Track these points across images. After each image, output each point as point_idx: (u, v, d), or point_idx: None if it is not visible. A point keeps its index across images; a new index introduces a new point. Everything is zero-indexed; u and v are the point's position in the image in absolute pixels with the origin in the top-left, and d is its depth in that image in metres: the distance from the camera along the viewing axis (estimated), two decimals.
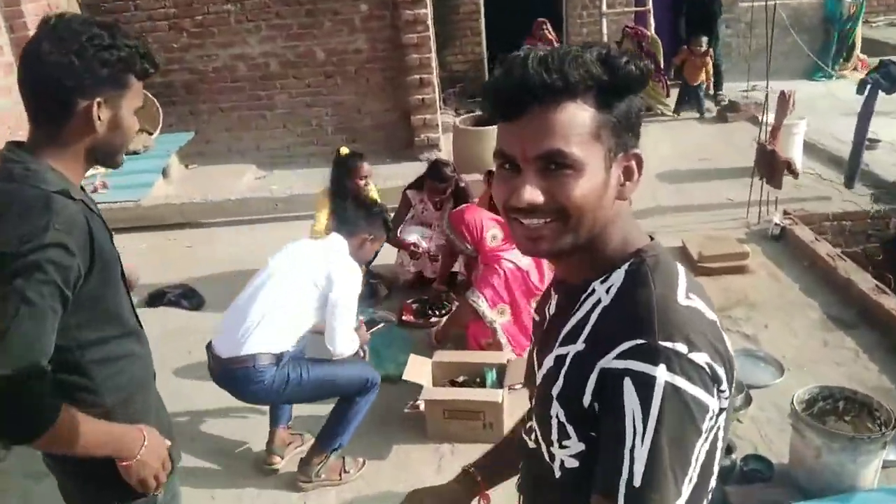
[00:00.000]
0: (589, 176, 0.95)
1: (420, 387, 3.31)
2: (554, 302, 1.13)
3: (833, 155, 6.41)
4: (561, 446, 1.02)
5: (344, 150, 4.58)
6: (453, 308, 4.22)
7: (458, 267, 4.56)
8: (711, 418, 0.93)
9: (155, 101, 7.18)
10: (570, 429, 1.00)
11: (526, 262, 3.66)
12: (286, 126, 7.62)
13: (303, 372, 2.77)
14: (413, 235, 4.59)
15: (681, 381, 0.89)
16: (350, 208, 3.16)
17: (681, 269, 1.04)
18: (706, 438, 0.93)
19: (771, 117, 5.15)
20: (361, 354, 3.29)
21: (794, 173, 4.85)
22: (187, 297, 4.69)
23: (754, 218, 5.28)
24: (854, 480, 2.74)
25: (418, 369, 3.38)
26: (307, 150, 7.67)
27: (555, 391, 1.01)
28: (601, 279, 1.02)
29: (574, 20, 10.05)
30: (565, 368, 1.00)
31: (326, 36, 7.27)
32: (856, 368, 3.63)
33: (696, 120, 8.11)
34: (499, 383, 3.36)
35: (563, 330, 1.04)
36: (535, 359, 1.15)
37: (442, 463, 3.16)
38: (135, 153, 6.77)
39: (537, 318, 1.22)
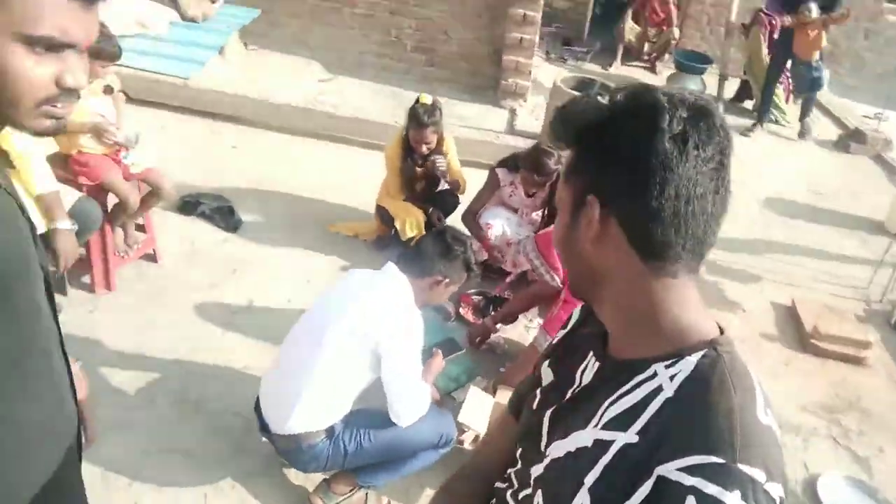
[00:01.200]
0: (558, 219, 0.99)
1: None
2: (592, 369, 1.02)
3: None
4: None
5: (424, 99, 3.80)
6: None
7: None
8: None
9: None
10: None
11: None
12: (362, 29, 6.76)
13: (362, 441, 2.34)
14: (497, 221, 3.87)
15: None
16: (425, 243, 2.45)
17: (754, 374, 0.92)
18: None
19: None
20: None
21: None
22: (223, 214, 4.02)
23: (876, 293, 4.55)
24: None
25: (477, 409, 2.76)
26: (380, 62, 6.85)
27: (588, 480, 0.90)
28: (666, 363, 0.90)
29: None
30: (608, 459, 0.89)
31: None
32: None
33: (817, 144, 6.98)
34: None
35: (605, 407, 0.93)
36: (543, 422, 1.06)
37: None
38: (192, 21, 5.97)
39: (550, 377, 1.12)
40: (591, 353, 1.04)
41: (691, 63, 7.65)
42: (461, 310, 3.69)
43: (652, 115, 0.86)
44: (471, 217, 3.93)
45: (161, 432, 2.68)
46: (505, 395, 2.93)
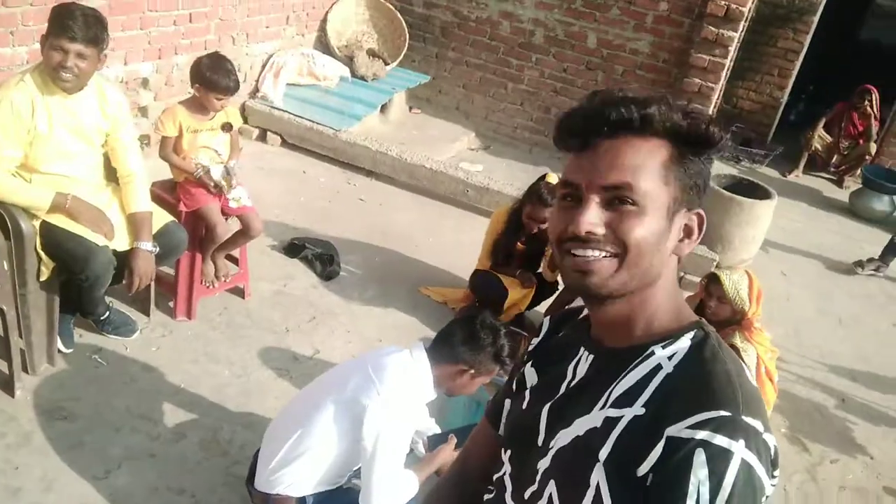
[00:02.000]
0: (651, 218, 0.95)
1: None
2: (586, 361, 1.09)
3: None
4: None
5: (551, 178, 3.70)
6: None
7: None
8: (764, 500, 0.90)
9: (405, 30, 6.68)
10: (606, 497, 0.94)
11: None
12: (523, 105, 6.81)
13: None
14: None
15: (754, 460, 0.87)
16: (453, 328, 2.30)
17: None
18: None
19: None
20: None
21: None
22: (322, 260, 4.13)
23: None
24: None
25: None
26: (534, 139, 6.85)
27: (602, 455, 0.95)
28: (662, 344, 1.00)
29: None
30: (618, 432, 0.95)
31: (608, 24, 6.29)
32: None
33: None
34: None
35: (608, 392, 1.00)
36: (542, 417, 1.10)
37: None
38: (362, 79, 6.34)
39: (535, 377, 1.18)
40: (582, 349, 1.10)
41: (881, 181, 6.88)
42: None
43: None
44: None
45: (178, 470, 2.69)
46: None
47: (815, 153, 7.80)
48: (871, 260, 5.57)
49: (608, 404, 0.99)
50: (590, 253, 0.96)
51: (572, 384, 1.09)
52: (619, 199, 0.95)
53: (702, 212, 1.02)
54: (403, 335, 3.73)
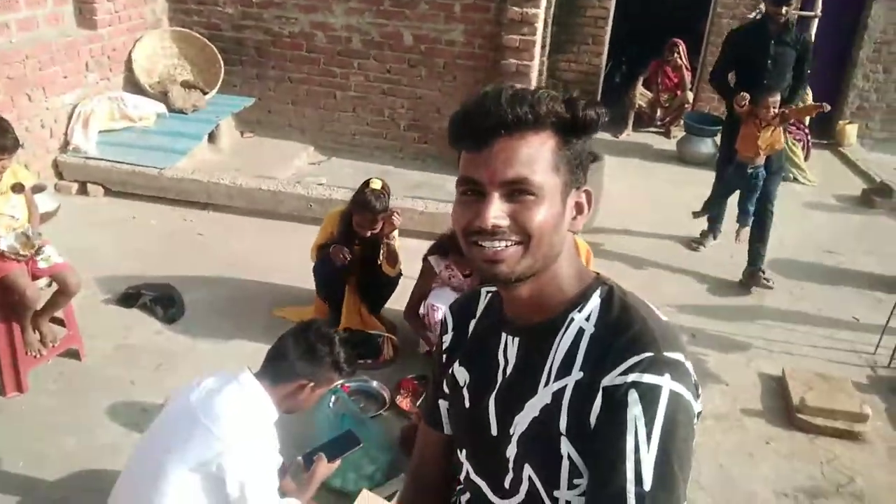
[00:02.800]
0: (548, 204, 1.02)
1: None
2: (513, 345, 1.14)
3: None
4: (571, 486, 1.03)
5: (374, 184, 3.67)
6: None
7: None
8: (696, 423, 1.00)
9: (218, 56, 6.48)
10: (580, 464, 1.01)
11: None
12: (356, 111, 6.77)
13: None
14: (440, 303, 3.63)
15: (680, 388, 0.97)
16: (285, 345, 2.19)
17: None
18: (694, 442, 0.99)
19: None
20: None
21: None
22: (163, 304, 3.93)
23: (884, 358, 4.05)
24: None
25: None
26: (374, 142, 6.82)
27: (562, 426, 1.02)
28: (577, 309, 1.08)
29: (717, 40, 8.71)
30: (567, 401, 1.03)
31: (419, 19, 6.34)
32: None
33: (837, 201, 6.50)
34: None
35: (547, 366, 1.07)
36: (489, 410, 1.14)
37: None
38: (181, 112, 6.10)
39: (465, 375, 1.21)
40: (504, 334, 1.16)
41: (700, 125, 7.36)
42: (398, 398, 3.42)
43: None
44: (412, 314, 3.74)
45: None
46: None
47: (639, 111, 8.24)
48: (703, 234, 5.38)
49: (552, 379, 1.06)
50: (497, 244, 1.02)
51: (508, 370, 1.14)
52: (518, 192, 1.01)
53: (588, 188, 1.10)
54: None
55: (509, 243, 1.02)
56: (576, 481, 1.03)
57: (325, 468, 2.36)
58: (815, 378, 3.72)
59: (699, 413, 1.02)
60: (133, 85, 6.16)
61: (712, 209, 5.27)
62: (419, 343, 3.81)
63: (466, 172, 1.05)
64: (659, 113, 8.30)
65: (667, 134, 8.19)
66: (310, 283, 4.25)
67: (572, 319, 1.08)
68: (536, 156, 1.01)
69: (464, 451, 1.23)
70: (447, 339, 1.29)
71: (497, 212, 1.01)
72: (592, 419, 0.99)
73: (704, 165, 7.00)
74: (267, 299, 4.19)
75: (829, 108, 4.67)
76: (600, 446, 0.98)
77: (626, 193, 6.12)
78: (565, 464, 1.03)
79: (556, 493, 1.05)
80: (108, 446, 2.96)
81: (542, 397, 1.06)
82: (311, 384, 2.16)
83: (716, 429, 3.42)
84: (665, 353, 0.98)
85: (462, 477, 1.24)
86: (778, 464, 3.26)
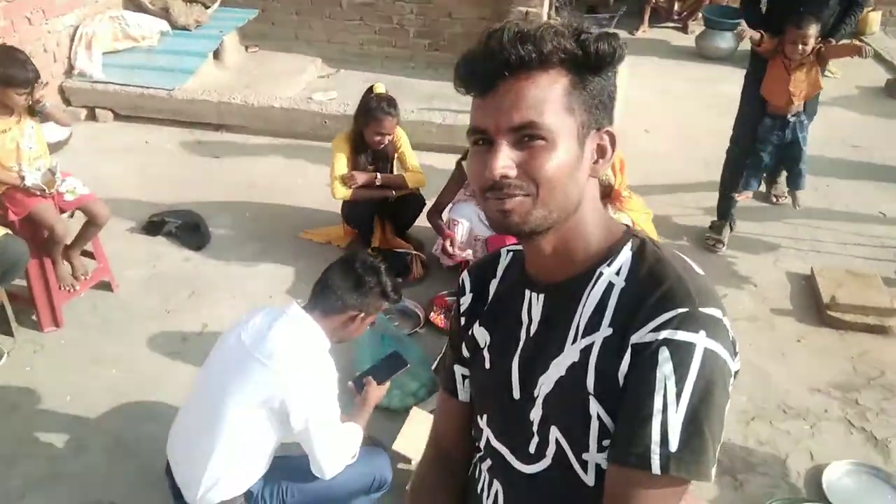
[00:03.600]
0: (562, 148, 0.95)
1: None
2: (538, 302, 1.08)
3: None
4: (601, 448, 0.98)
5: (378, 88, 3.58)
6: None
7: None
8: (732, 383, 0.94)
9: None
10: (610, 425, 0.96)
11: None
12: (363, 20, 6.54)
13: (285, 497, 2.13)
14: (462, 219, 3.60)
15: (716, 346, 0.91)
16: (333, 277, 2.17)
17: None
18: (729, 402, 0.93)
19: None
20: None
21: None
22: (188, 231, 3.92)
23: None
24: None
25: (417, 435, 2.52)
26: (382, 51, 6.63)
27: (590, 385, 0.97)
28: (606, 263, 1.02)
29: None
30: (594, 359, 0.98)
31: None
32: None
33: (861, 92, 6.26)
34: None
35: (574, 323, 1.01)
36: (513, 371, 1.09)
37: None
38: (184, 29, 5.91)
39: (486, 336, 1.15)
40: (528, 291, 1.09)
41: (720, 19, 7.06)
42: (432, 315, 3.45)
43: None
44: (435, 214, 3.69)
45: (88, 484, 2.55)
46: None
47: (656, 5, 7.91)
48: (715, 227, 4.13)
49: (579, 336, 1.00)
50: (506, 196, 0.95)
51: (532, 329, 1.08)
52: (527, 137, 0.94)
53: (611, 129, 1.01)
54: (294, 287, 3.62)
55: (518, 193, 0.95)
56: (605, 443, 0.97)
57: (376, 391, 2.40)
58: (844, 275, 3.72)
59: (736, 371, 0.96)
60: (134, 3, 5.94)
61: (732, 183, 4.00)
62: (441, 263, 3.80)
63: (474, 121, 0.98)
64: (676, 7, 7.97)
65: (684, 29, 7.88)
66: (333, 205, 4.23)
67: (601, 274, 1.01)
68: (546, 97, 0.93)
69: (484, 416, 1.17)
70: (465, 301, 1.22)
71: (505, 161, 0.94)
72: (621, 377, 0.94)
73: (725, 61, 6.78)
74: (291, 221, 4.17)
75: (871, 52, 3.89)
76: (628, 405, 0.93)
77: (646, 96, 5.96)
78: (594, 424, 0.97)
79: (584, 456, 1.00)
80: (151, 377, 3.02)
81: (570, 355, 1.01)
82: (362, 315, 2.17)
83: (748, 329, 3.45)
84: (700, 309, 0.92)
85: (482, 444, 1.18)
86: (810, 361, 3.30)
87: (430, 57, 6.53)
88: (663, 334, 0.91)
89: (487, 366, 1.15)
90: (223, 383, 2.04)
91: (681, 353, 0.90)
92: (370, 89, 3.61)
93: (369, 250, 3.79)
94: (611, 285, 1.00)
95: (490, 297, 1.18)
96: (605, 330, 0.98)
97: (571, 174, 0.96)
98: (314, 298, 2.17)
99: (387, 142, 3.60)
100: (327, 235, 4.02)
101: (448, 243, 3.56)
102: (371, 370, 2.55)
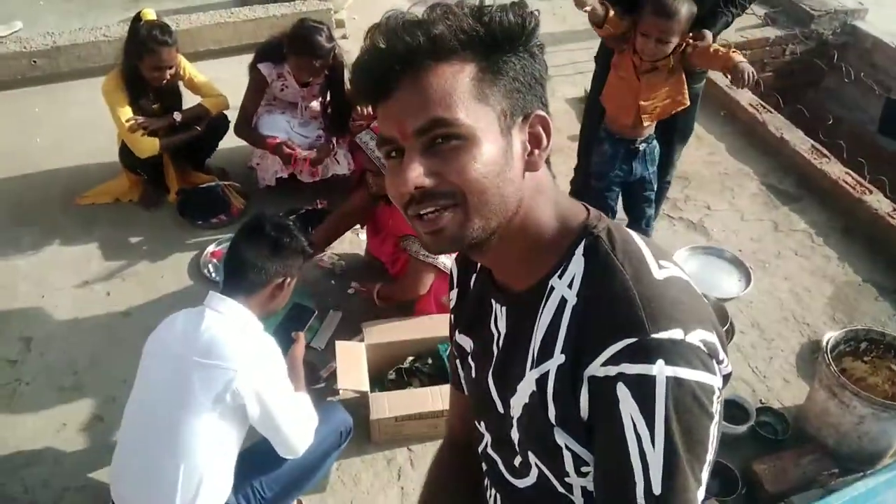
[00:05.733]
0: (481, 146, 0.81)
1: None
2: (502, 315, 0.98)
3: None
4: (579, 473, 0.90)
5: (147, 14, 3.09)
6: None
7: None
8: (718, 397, 0.83)
9: None
10: (582, 453, 0.87)
11: None
12: None
13: (264, 492, 2.01)
14: (278, 133, 3.33)
15: (683, 371, 0.79)
16: (245, 250, 1.93)
17: (634, 233, 0.91)
18: (717, 420, 0.83)
19: None
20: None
21: None
22: None
23: None
24: (892, 443, 2.44)
25: (352, 364, 2.46)
26: None
27: (551, 416, 0.88)
28: (557, 273, 0.89)
29: None
30: (551, 389, 0.87)
31: None
32: (818, 261, 3.28)
33: None
34: None
35: (530, 346, 0.90)
36: (490, 386, 1.01)
37: (403, 477, 2.42)
38: None
39: (469, 343, 1.08)
40: (493, 301, 1.00)
41: None
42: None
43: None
44: (246, 127, 3.35)
45: None
46: (374, 331, 2.63)
47: None
48: None
49: (535, 362, 0.90)
50: (430, 209, 0.83)
51: (500, 343, 0.99)
52: (440, 139, 0.81)
53: (542, 112, 0.87)
54: (104, 264, 3.17)
55: (443, 205, 0.83)
56: (584, 469, 0.90)
57: (298, 348, 2.26)
58: None
59: (727, 376, 0.88)
60: None
61: None
62: (257, 179, 3.53)
63: (381, 130, 0.86)
64: None
65: None
66: (99, 156, 3.69)
67: (552, 288, 0.89)
68: (451, 88, 0.81)
69: (482, 423, 1.10)
70: (453, 296, 1.14)
71: (416, 170, 0.81)
72: (583, 412, 0.85)
73: None
74: (55, 190, 3.56)
75: (753, 78, 2.49)
76: (601, 451, 0.85)
77: None
78: (566, 454, 0.89)
79: (567, 479, 0.93)
80: None
81: (529, 382, 0.91)
82: (287, 280, 2.00)
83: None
84: (653, 336, 0.79)
85: (481, 449, 1.12)
86: None
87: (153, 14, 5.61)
88: (616, 369, 0.80)
89: (473, 375, 1.08)
90: (169, 402, 1.82)
91: (641, 388, 0.79)
92: (137, 16, 3.07)
93: (174, 195, 3.41)
94: (563, 301, 0.88)
95: (469, 296, 1.09)
96: (559, 357, 0.87)
97: (500, 173, 0.83)
98: (231, 280, 1.94)
99: (168, 76, 3.13)
100: (110, 193, 3.51)
101: (285, 148, 3.24)
102: (281, 328, 2.40)
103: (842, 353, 2.53)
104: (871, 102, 4.45)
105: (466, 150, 0.81)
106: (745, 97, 4.07)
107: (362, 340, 2.56)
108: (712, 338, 0.83)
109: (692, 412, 0.80)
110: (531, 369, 0.90)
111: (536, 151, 0.87)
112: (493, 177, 0.82)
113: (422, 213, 0.84)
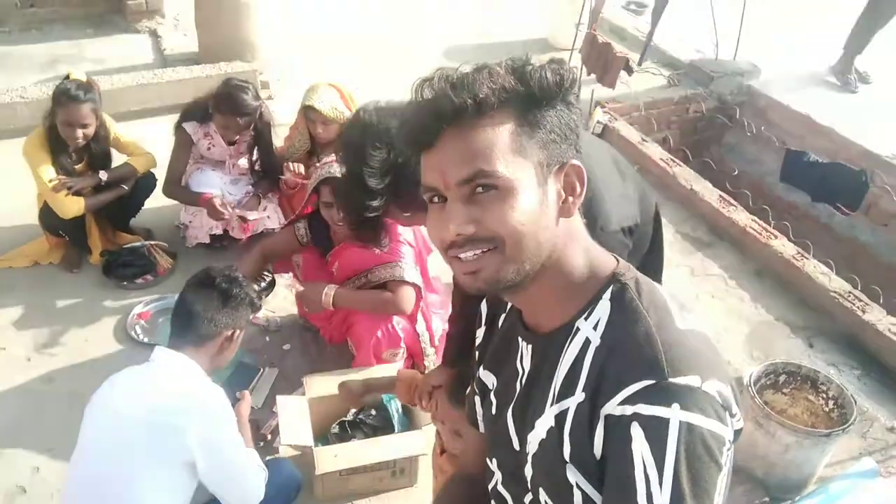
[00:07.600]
0: (520, 196, 0.87)
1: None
2: (528, 353, 1.02)
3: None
4: None
5: (75, 75, 3.06)
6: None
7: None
8: (728, 449, 0.86)
9: None
10: (592, 494, 0.90)
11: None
12: None
13: None
14: (211, 190, 3.30)
15: (696, 418, 0.82)
16: (193, 302, 1.92)
17: (660, 287, 0.96)
18: (727, 471, 0.86)
19: None
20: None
21: (630, 70, 4.33)
22: None
23: None
24: (815, 470, 2.57)
25: (294, 418, 2.42)
26: None
27: (566, 453, 0.91)
28: (584, 316, 0.94)
29: None
30: (569, 426, 0.91)
31: None
32: (733, 302, 3.46)
33: None
34: (405, 415, 2.56)
35: (553, 382, 0.95)
36: (508, 422, 1.05)
37: None
38: None
39: (492, 379, 1.12)
40: (520, 339, 1.04)
41: None
42: None
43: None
44: (176, 186, 3.33)
45: None
46: (315, 382, 2.58)
47: None
48: None
49: (555, 398, 0.94)
50: (470, 253, 0.90)
51: (524, 380, 1.03)
52: (480, 188, 0.88)
53: (576, 162, 0.93)
54: (17, 331, 3.03)
55: (484, 250, 0.89)
56: None
57: (244, 405, 2.23)
58: None
59: (738, 431, 0.91)
60: None
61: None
62: (186, 237, 3.48)
63: (424, 179, 0.93)
64: None
65: None
66: (16, 218, 3.56)
67: (578, 329, 0.94)
68: (492, 143, 0.87)
69: (494, 460, 1.12)
70: (480, 333, 1.18)
71: (458, 218, 0.88)
72: (597, 451, 0.88)
73: None
74: None
75: None
76: (609, 485, 0.87)
77: None
78: (577, 493, 0.92)
79: None
80: None
81: (548, 419, 0.95)
82: (236, 332, 1.99)
83: None
84: (671, 380, 0.83)
85: (491, 486, 1.14)
86: None
87: (27, 15, 5.52)
88: (632, 409, 0.84)
89: (493, 411, 1.11)
90: (118, 462, 1.76)
91: (654, 430, 0.83)
92: (67, 77, 3.02)
93: (97, 256, 3.31)
94: (587, 342, 0.93)
95: (496, 334, 1.13)
96: (579, 395, 0.91)
97: (537, 220, 0.89)
98: (179, 332, 1.92)
99: (81, 135, 3.03)
100: (28, 256, 3.37)
101: (219, 203, 3.19)
102: (226, 387, 2.35)
103: (763, 386, 2.66)
104: (769, 156, 4.78)
105: (505, 199, 0.87)
106: (657, 152, 4.31)
107: (303, 394, 2.53)
108: (727, 391, 0.87)
109: (702, 460, 0.83)
110: (551, 405, 0.94)
111: (571, 199, 0.93)
112: (531, 224, 0.88)
113: (461, 256, 0.90)
